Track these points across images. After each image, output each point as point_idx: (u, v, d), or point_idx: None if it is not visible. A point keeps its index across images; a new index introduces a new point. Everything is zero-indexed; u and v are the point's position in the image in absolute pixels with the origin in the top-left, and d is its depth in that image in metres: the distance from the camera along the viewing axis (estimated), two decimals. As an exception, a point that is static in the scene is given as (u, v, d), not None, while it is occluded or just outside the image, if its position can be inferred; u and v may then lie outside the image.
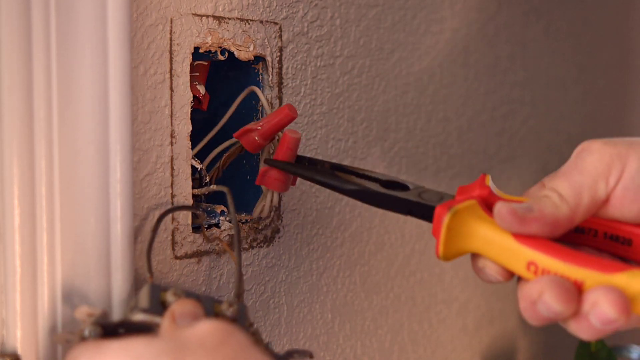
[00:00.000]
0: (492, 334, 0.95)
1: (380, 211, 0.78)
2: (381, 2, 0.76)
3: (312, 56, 0.70)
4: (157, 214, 0.58)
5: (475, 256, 0.51)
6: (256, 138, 0.60)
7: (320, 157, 0.72)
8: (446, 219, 0.49)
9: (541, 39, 0.97)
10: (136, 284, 0.56)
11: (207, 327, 0.44)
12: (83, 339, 0.47)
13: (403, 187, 0.56)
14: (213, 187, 0.61)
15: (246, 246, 0.65)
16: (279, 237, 0.69)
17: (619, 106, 1.14)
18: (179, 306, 0.48)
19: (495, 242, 0.49)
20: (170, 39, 0.58)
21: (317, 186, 0.72)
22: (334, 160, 0.73)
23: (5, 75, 0.48)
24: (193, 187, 0.61)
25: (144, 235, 0.58)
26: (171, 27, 0.58)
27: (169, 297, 0.49)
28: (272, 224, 0.68)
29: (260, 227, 0.67)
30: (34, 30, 0.49)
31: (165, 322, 0.47)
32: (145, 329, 0.47)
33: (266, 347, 0.51)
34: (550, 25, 0.99)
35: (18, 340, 0.50)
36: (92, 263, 0.52)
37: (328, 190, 0.73)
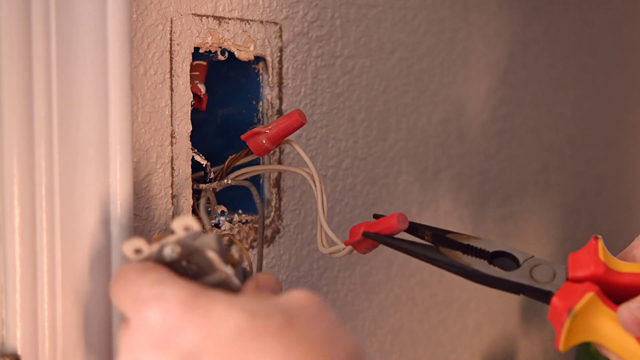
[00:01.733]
0: (492, 335, 0.95)
1: (380, 211, 0.78)
2: (381, 2, 0.76)
3: (313, 56, 0.70)
4: (163, 212, 0.58)
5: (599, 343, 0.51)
6: (264, 141, 0.60)
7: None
8: (567, 324, 0.48)
9: (541, 39, 0.97)
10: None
11: (306, 296, 0.42)
12: (159, 259, 0.44)
13: (512, 258, 0.54)
14: (229, 181, 0.61)
15: (247, 246, 0.65)
16: (279, 238, 0.69)
17: (619, 106, 1.14)
18: (265, 276, 0.46)
19: (618, 342, 0.48)
20: (171, 39, 0.58)
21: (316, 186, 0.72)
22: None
23: (5, 75, 0.48)
24: (199, 183, 0.61)
25: (144, 235, 0.58)
26: (171, 27, 0.58)
27: (234, 251, 0.47)
28: (273, 225, 0.68)
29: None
30: (34, 31, 0.49)
31: (250, 284, 0.45)
32: (211, 271, 0.45)
33: None
34: (550, 25, 0.99)
35: (18, 340, 0.50)
36: (92, 263, 0.52)
37: (328, 191, 0.73)
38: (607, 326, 0.48)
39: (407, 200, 0.81)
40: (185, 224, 0.45)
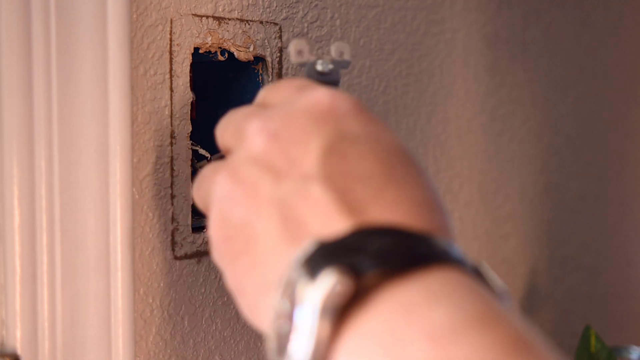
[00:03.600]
0: (492, 335, 0.94)
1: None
2: (381, 3, 0.76)
3: (312, 57, 0.70)
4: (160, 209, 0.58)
5: None
6: None
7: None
8: None
9: (541, 40, 0.97)
10: (135, 285, 0.57)
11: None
12: (314, 67, 0.47)
13: None
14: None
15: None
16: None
17: (619, 107, 1.14)
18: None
19: None
20: (170, 40, 0.58)
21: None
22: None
23: (5, 75, 0.48)
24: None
25: (144, 236, 0.58)
26: (171, 27, 0.58)
27: None
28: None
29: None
30: (34, 31, 0.49)
31: None
32: None
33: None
34: (550, 26, 0.99)
35: (18, 340, 0.50)
36: (92, 263, 0.52)
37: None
38: None
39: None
40: (341, 49, 0.48)
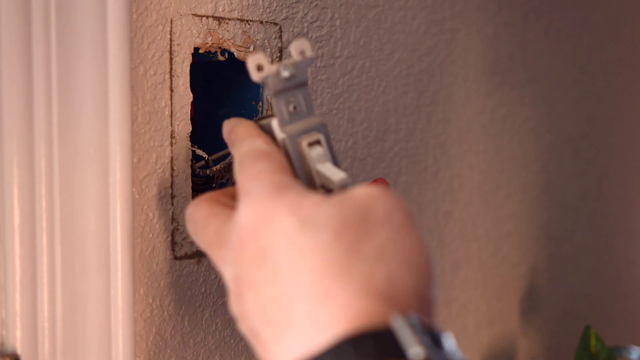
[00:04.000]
0: (492, 335, 0.95)
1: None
2: (381, 3, 0.76)
3: (312, 57, 0.70)
4: (161, 207, 0.58)
5: None
6: None
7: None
8: None
9: (541, 40, 0.97)
10: (135, 284, 0.57)
11: (371, 196, 0.41)
12: (279, 76, 0.46)
13: None
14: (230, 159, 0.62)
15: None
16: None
17: (619, 106, 1.14)
18: None
19: None
20: (170, 40, 0.58)
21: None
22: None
23: (5, 75, 0.48)
24: (199, 176, 0.61)
25: (144, 236, 0.58)
26: (171, 27, 0.58)
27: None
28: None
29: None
30: (34, 30, 0.49)
31: None
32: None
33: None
34: (551, 26, 0.99)
35: (18, 340, 0.50)
36: (92, 263, 0.52)
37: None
38: None
39: (406, 200, 0.81)
40: (301, 47, 0.47)
